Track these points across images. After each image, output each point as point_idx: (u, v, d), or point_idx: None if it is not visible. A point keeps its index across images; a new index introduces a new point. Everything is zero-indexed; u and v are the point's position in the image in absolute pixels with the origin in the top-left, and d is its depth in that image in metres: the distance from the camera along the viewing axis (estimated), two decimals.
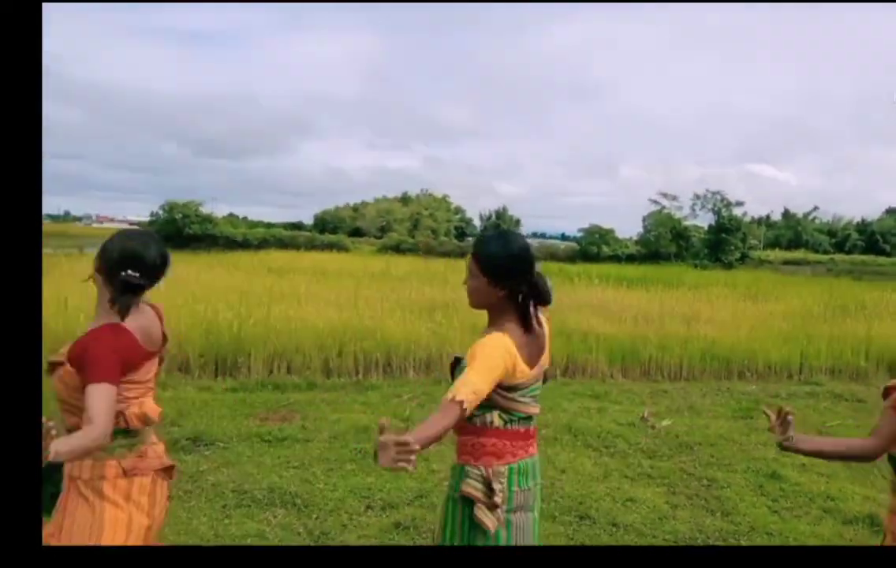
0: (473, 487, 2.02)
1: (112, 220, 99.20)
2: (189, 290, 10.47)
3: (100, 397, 1.93)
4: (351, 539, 3.76)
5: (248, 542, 3.62)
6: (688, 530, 4.08)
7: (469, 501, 2.03)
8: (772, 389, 8.21)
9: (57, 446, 1.70)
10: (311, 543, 3.68)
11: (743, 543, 3.96)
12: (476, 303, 2.12)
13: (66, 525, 2.03)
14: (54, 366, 2.05)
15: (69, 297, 7.90)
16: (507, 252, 2.05)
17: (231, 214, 58.05)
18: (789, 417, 2.14)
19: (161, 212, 44.82)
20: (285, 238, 43.55)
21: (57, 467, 2.01)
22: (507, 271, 2.04)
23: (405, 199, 67.01)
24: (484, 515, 2.00)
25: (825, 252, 53.57)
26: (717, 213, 44.37)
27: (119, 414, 2.03)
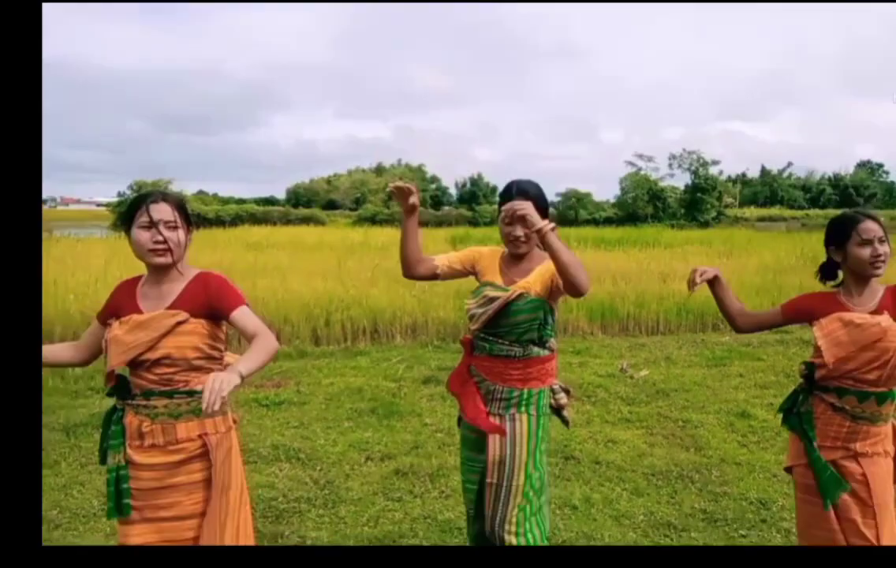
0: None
1: (78, 201, 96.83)
2: None
3: (252, 314, 2.15)
4: (355, 487, 4.04)
5: (259, 492, 3.88)
6: (664, 465, 4.42)
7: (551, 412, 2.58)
8: (744, 338, 8.57)
9: (238, 369, 1.85)
10: (318, 492, 3.95)
11: (714, 473, 4.30)
12: None
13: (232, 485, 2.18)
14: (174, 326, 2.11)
15: (57, 279, 8.02)
16: None
17: (200, 191, 56.71)
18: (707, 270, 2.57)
19: (129, 191, 43.51)
20: (258, 213, 42.96)
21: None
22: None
23: (380, 170, 66.44)
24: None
25: (800, 208, 54.14)
26: (693, 172, 44.70)
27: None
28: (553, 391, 2.57)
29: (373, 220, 40.86)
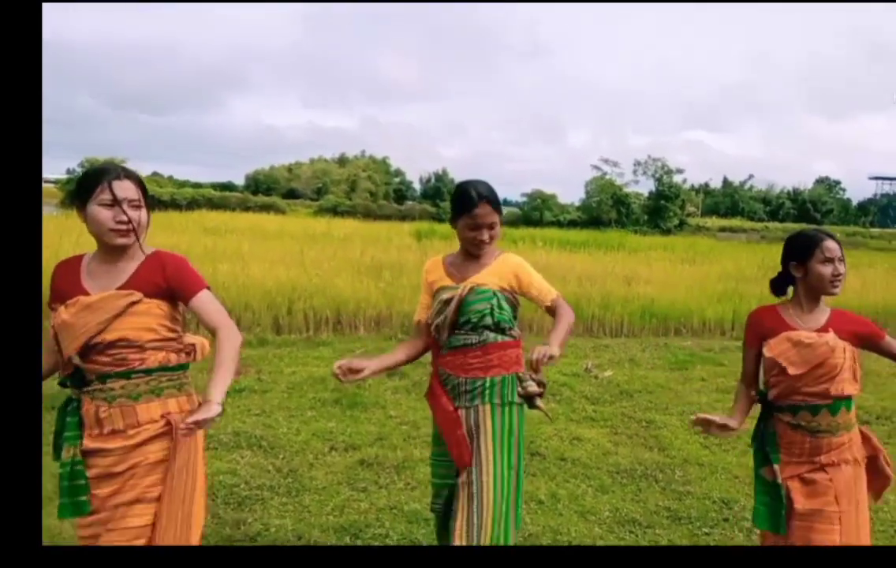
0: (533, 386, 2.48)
1: None
2: None
3: (215, 300, 2.06)
4: (319, 476, 3.95)
5: (221, 478, 3.77)
6: (628, 463, 4.44)
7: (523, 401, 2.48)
8: (706, 343, 8.76)
9: (217, 389, 1.95)
10: (281, 480, 3.85)
11: (677, 473, 4.34)
12: None
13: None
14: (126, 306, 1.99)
15: None
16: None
17: (155, 173, 54.95)
18: (710, 419, 2.50)
19: (79, 169, 41.61)
20: (216, 199, 41.31)
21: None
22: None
23: (343, 161, 65.34)
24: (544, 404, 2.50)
25: (760, 220, 55.09)
26: (657, 180, 45.06)
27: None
28: (520, 379, 2.47)
29: (335, 211, 40.15)
